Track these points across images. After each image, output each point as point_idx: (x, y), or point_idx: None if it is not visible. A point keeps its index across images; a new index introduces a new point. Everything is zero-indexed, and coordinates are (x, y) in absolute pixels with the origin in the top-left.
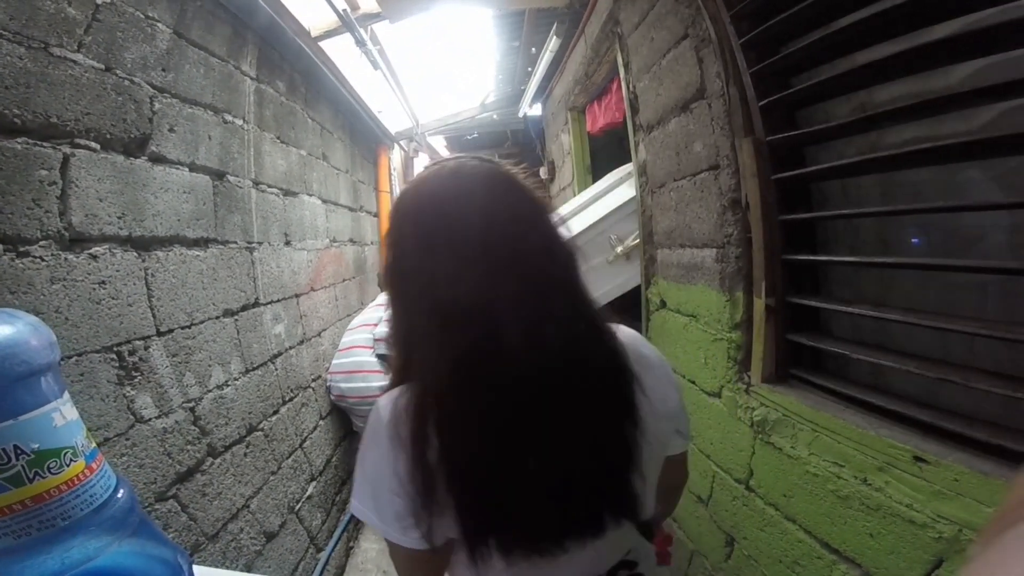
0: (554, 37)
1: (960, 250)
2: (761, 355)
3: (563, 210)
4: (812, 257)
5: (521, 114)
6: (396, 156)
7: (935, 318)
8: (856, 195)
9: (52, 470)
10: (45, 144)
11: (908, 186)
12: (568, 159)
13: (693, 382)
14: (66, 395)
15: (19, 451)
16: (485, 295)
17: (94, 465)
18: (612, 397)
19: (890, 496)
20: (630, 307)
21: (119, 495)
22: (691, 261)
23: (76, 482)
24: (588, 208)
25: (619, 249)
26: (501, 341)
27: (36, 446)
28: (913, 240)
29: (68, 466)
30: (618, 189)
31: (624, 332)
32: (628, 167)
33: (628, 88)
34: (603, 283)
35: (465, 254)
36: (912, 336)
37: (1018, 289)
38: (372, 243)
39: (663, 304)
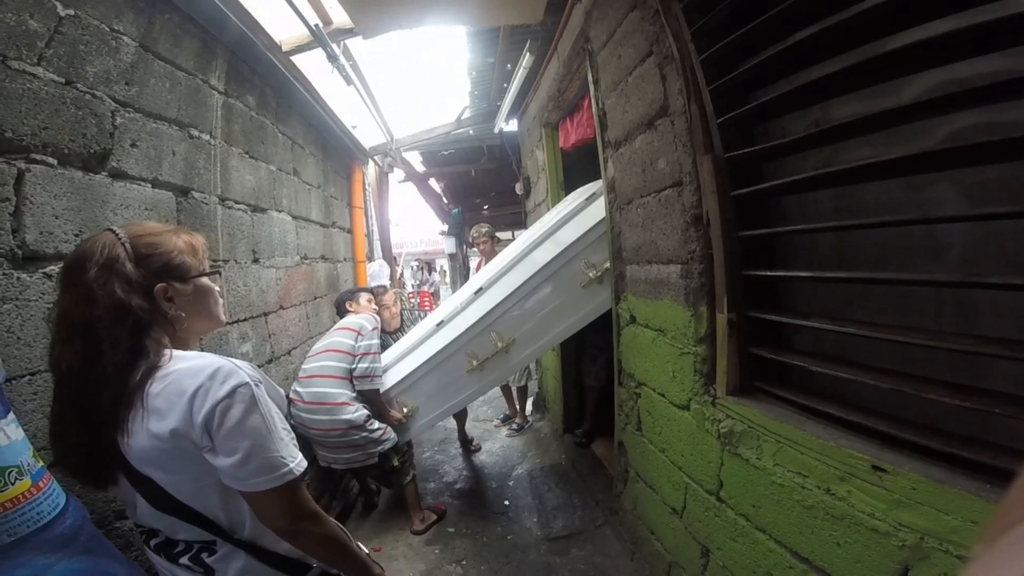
0: (528, 54)
1: (915, 264)
2: (725, 368)
3: (530, 233)
4: (770, 272)
5: (497, 130)
6: (371, 171)
7: (889, 331)
8: (814, 211)
9: None
10: None
11: (868, 203)
12: (543, 175)
13: (663, 395)
14: (11, 415)
15: None
16: (58, 332)
17: (41, 484)
18: (99, 408)
19: (853, 505)
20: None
21: (68, 513)
22: (657, 277)
23: (22, 500)
24: (555, 234)
25: (591, 274)
26: (57, 366)
27: None
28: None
29: (13, 484)
30: (585, 211)
31: (190, 365)
32: (590, 187)
33: (598, 104)
34: (577, 309)
35: (60, 301)
36: (872, 349)
37: (969, 302)
38: (345, 260)
39: (633, 319)
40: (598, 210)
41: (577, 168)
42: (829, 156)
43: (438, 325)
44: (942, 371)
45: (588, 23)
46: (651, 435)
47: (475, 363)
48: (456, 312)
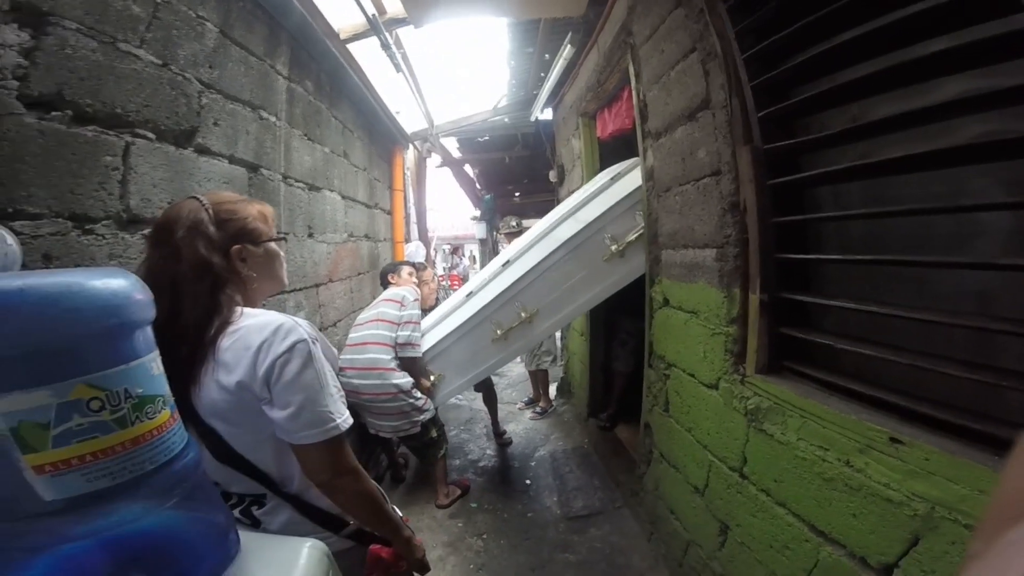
0: (568, 45)
1: (939, 252)
2: (755, 347)
3: (558, 210)
4: (802, 256)
5: (533, 118)
6: (410, 156)
7: (908, 309)
8: (846, 202)
9: (149, 415)
10: (110, 132)
11: (898, 196)
12: (578, 163)
13: (693, 375)
14: (156, 351)
15: (128, 394)
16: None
17: (176, 415)
18: (177, 362)
19: (870, 476)
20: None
21: (190, 446)
22: (692, 261)
23: (164, 428)
24: (580, 210)
25: (614, 248)
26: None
27: (140, 391)
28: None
29: (160, 413)
30: (610, 189)
31: (256, 321)
32: (616, 167)
33: (638, 97)
34: (597, 282)
35: (149, 258)
36: (894, 330)
37: (989, 291)
38: (385, 240)
39: (666, 302)
40: (622, 187)
41: (612, 158)
42: (864, 150)
43: (468, 296)
44: (958, 351)
45: (631, 17)
46: (678, 415)
47: (499, 332)
48: (484, 283)
